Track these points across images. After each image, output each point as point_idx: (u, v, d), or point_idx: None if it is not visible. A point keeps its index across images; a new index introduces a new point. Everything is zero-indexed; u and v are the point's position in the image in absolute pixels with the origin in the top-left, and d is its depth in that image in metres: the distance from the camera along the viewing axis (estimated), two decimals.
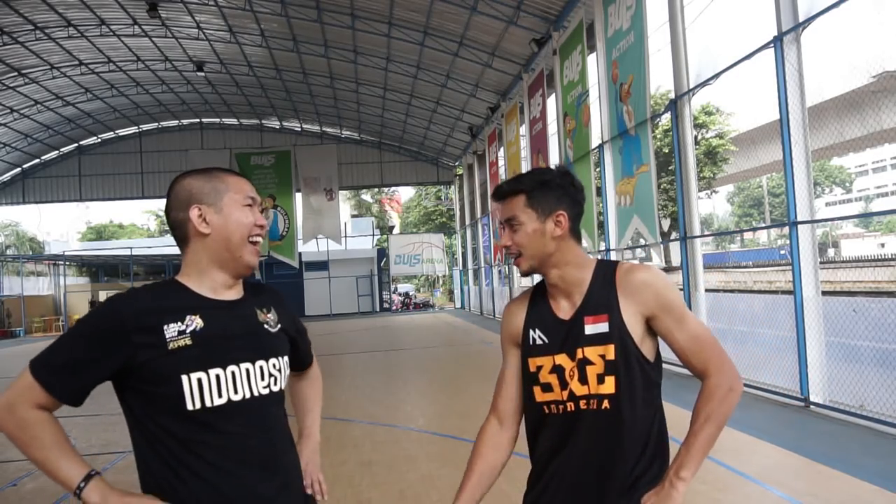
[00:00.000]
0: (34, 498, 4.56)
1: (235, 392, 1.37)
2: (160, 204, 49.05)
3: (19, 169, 27.71)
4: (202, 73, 21.41)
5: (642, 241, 9.95)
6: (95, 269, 37.16)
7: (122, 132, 27.94)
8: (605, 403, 1.49)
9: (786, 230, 7.06)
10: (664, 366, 1.59)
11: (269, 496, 1.39)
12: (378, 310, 29.93)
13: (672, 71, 8.53)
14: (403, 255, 29.91)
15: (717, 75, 7.56)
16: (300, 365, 1.73)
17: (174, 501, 1.33)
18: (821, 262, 6.95)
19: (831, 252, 42.84)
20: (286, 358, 1.51)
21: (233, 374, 1.37)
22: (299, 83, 22.23)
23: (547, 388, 1.56)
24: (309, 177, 26.46)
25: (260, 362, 1.42)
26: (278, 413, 1.47)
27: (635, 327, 1.50)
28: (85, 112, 24.56)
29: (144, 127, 27.75)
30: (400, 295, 34.21)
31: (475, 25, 15.12)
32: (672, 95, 8.75)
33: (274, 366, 1.45)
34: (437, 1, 14.45)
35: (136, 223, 57.66)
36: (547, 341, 1.58)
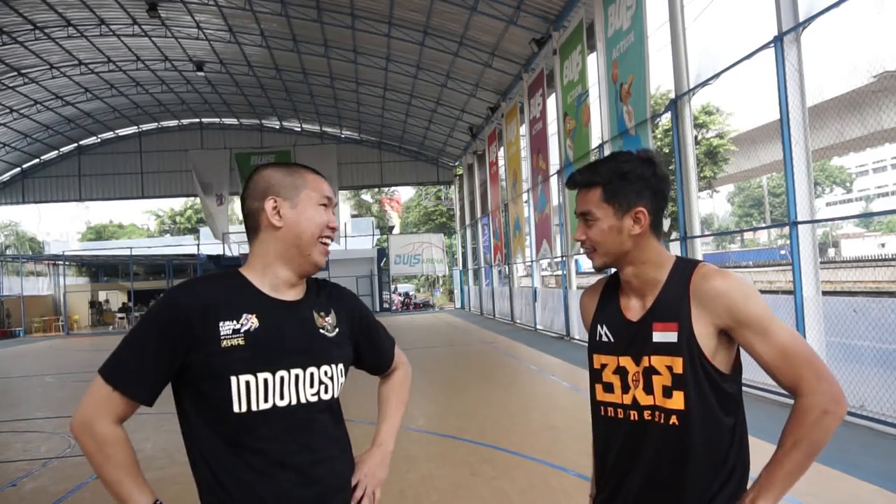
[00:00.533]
0: (34, 498, 4.56)
1: (281, 398, 1.34)
2: (160, 204, 49.36)
3: (19, 169, 27.72)
4: (202, 73, 21.42)
5: None
6: (95, 269, 37.12)
7: (122, 132, 27.96)
8: (674, 419, 1.39)
9: (786, 230, 7.06)
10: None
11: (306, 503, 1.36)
12: (378, 310, 29.90)
13: (672, 71, 8.52)
14: (403, 255, 29.91)
15: (717, 75, 7.56)
16: (373, 367, 1.66)
17: (213, 501, 1.33)
18: (821, 262, 6.95)
19: (831, 252, 42.82)
20: (340, 366, 1.45)
21: (282, 379, 1.34)
22: (299, 83, 22.24)
23: (608, 388, 1.50)
24: None
25: (311, 369, 1.39)
26: (325, 420, 1.42)
27: (707, 339, 1.38)
28: (85, 112, 24.57)
29: (144, 127, 27.76)
30: (400, 295, 34.18)
31: (475, 25, 15.12)
32: (672, 95, 8.75)
33: (325, 373, 1.41)
34: (437, 1, 14.45)
35: (136, 223, 57.69)
36: (613, 340, 1.50)
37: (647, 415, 1.43)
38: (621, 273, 1.51)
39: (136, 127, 27.64)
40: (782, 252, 34.96)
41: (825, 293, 6.48)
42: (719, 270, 1.42)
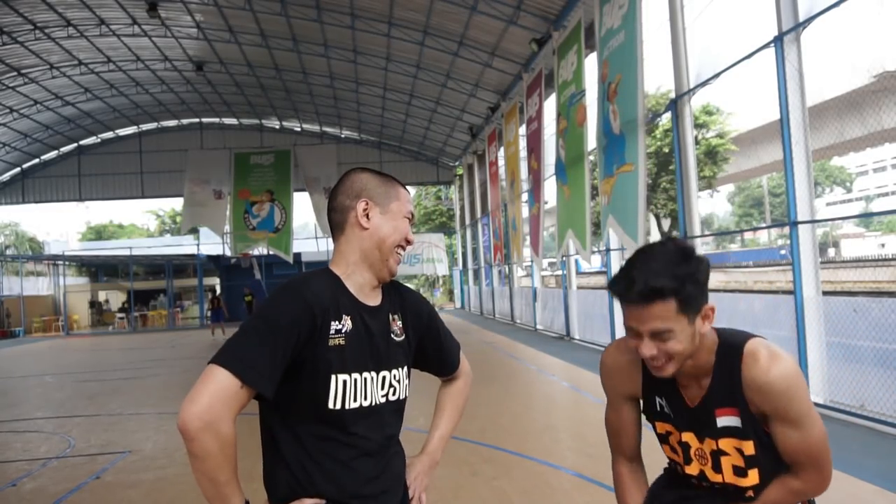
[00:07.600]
0: (34, 498, 4.55)
1: (365, 398, 1.41)
2: (160, 203, 49.36)
3: (19, 169, 27.70)
4: (202, 73, 21.41)
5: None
6: (95, 269, 37.11)
7: (122, 132, 27.93)
8: (750, 493, 1.44)
9: (786, 230, 7.06)
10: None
11: (374, 496, 1.43)
12: None
13: (672, 71, 8.52)
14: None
15: (717, 75, 7.56)
16: (437, 368, 1.71)
17: (300, 489, 1.37)
18: (821, 262, 6.94)
19: (832, 252, 42.82)
20: (405, 369, 1.53)
21: (365, 380, 1.41)
22: (299, 83, 22.23)
23: (674, 450, 1.54)
24: (309, 176, 26.46)
25: (383, 372, 1.45)
26: (393, 421, 1.50)
27: (762, 416, 1.41)
28: (84, 112, 24.55)
29: (144, 127, 27.74)
30: None
31: (475, 25, 15.11)
32: (672, 95, 8.74)
33: (395, 376, 1.48)
34: (437, 1, 14.44)
35: (136, 223, 57.70)
36: (672, 416, 1.49)
37: (717, 487, 1.49)
38: None
39: (136, 127, 27.62)
40: (782, 252, 34.93)
41: (825, 293, 6.48)
42: (769, 355, 1.35)
